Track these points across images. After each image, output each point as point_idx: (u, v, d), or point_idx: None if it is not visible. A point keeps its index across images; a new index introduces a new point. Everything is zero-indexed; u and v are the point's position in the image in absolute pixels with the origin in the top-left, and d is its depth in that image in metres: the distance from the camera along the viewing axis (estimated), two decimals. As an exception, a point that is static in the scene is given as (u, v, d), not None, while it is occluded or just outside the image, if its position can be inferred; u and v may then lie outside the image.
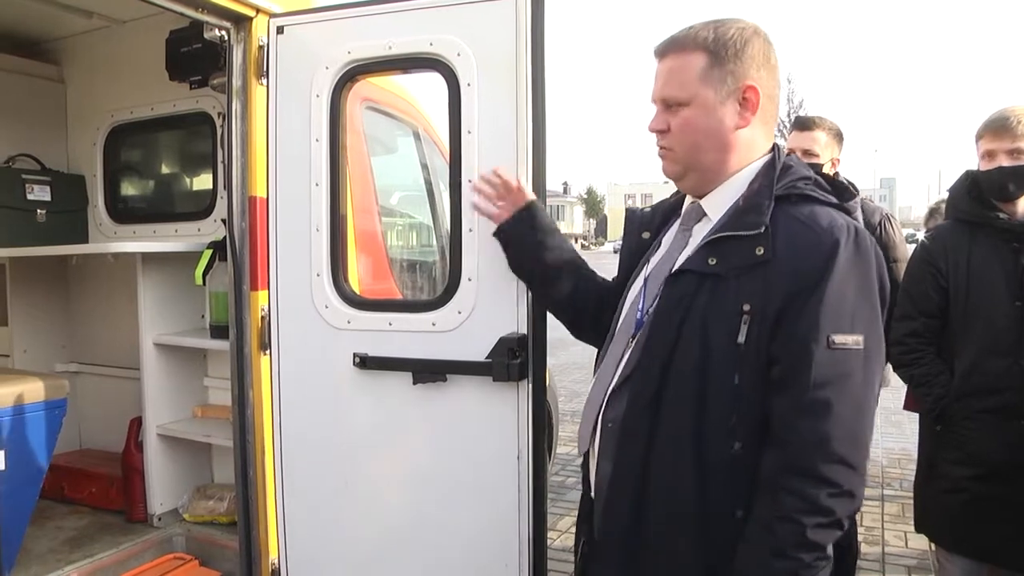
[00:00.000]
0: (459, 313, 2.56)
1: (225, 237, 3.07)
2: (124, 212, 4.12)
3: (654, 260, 1.81)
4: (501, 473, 2.52)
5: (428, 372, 2.59)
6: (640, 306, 1.74)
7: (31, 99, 4.13)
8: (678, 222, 1.82)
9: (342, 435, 2.76)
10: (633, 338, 1.71)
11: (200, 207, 3.74)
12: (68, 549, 3.24)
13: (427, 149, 4.03)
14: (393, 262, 3.57)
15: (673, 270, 1.68)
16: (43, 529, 3.41)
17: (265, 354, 2.83)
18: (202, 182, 3.89)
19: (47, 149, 4.15)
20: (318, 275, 2.74)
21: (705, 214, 1.73)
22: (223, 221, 3.12)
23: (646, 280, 1.77)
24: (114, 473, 3.60)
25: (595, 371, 1.87)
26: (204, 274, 3.03)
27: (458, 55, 2.53)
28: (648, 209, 2.01)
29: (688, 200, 1.82)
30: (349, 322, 2.70)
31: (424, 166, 3.99)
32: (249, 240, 2.83)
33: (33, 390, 2.90)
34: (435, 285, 3.72)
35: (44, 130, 4.18)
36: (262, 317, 2.82)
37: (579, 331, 2.16)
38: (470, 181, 2.46)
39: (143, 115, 3.90)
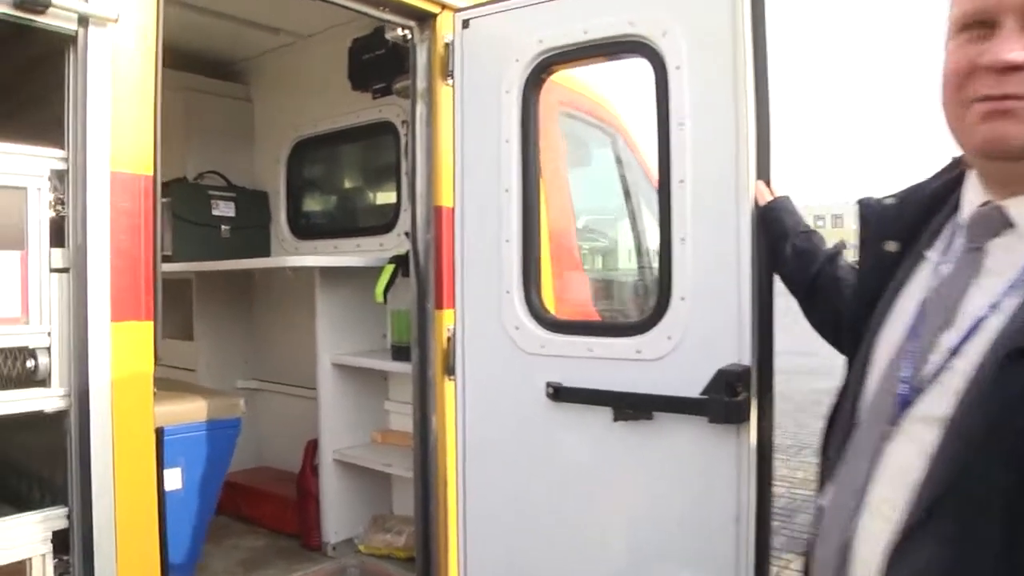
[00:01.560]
0: (668, 339, 2.26)
1: (408, 251, 2.94)
2: (305, 227, 4.13)
3: (915, 292, 1.20)
4: (714, 537, 2.15)
5: (631, 408, 2.30)
6: (904, 373, 1.13)
7: (221, 118, 4.25)
8: (953, 230, 1.21)
9: (532, 473, 2.52)
10: (894, 424, 1.11)
11: (382, 221, 3.66)
12: (242, 570, 3.20)
13: (625, 156, 3.80)
14: (591, 279, 3.34)
15: (1012, 347, 0.99)
16: (220, 547, 3.40)
17: (450, 379, 2.65)
18: (385, 195, 3.82)
19: (233, 166, 4.24)
20: (508, 292, 2.53)
21: (1011, 224, 1.11)
22: (406, 235, 3.00)
23: (912, 330, 1.15)
24: (290, 495, 3.55)
25: (824, 457, 1.32)
26: (385, 291, 2.91)
27: (664, 35, 2.23)
28: (892, 200, 1.37)
29: (972, 192, 1.18)
30: (542, 346, 2.47)
31: (623, 176, 3.75)
32: (434, 254, 2.68)
33: (209, 408, 2.85)
34: (640, 306, 3.44)
35: (231, 148, 4.28)
36: (447, 338, 2.65)
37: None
38: (682, 182, 2.18)
39: (326, 128, 3.89)
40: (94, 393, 1.85)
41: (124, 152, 1.94)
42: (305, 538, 3.42)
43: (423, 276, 2.69)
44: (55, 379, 1.80)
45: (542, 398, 2.44)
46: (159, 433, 2.06)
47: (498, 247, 2.54)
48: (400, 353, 3.00)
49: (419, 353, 2.70)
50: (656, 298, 2.34)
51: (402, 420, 3.44)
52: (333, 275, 3.27)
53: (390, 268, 2.94)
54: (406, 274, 2.90)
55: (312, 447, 3.41)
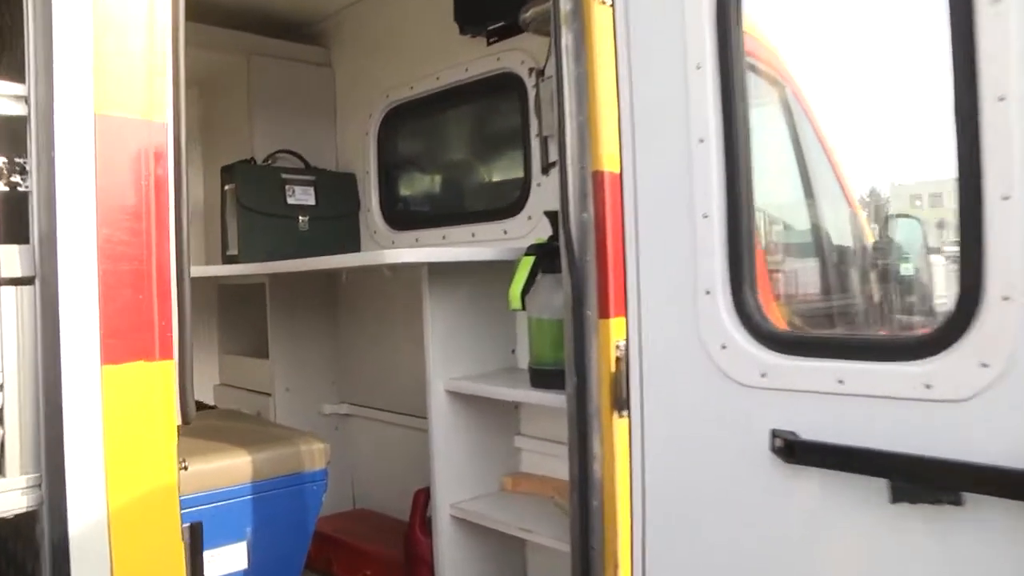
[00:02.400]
0: (984, 367, 1.44)
1: (551, 238, 2.20)
2: (404, 215, 3.41)
3: None
4: None
5: (920, 482, 1.50)
6: None
7: (296, 87, 3.58)
8: None
9: (746, 563, 1.75)
10: None
11: (506, 201, 2.90)
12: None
13: (798, 116, 2.97)
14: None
15: None
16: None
17: (621, 416, 1.90)
18: (507, 167, 3.04)
19: (312, 143, 3.57)
20: (708, 293, 1.76)
21: None
22: (551, 216, 2.24)
23: None
24: (395, 556, 2.85)
25: None
26: (523, 294, 2.14)
27: None
28: None
29: None
30: (764, 375, 1.68)
31: (798, 137, 2.92)
32: (595, 240, 1.92)
33: (283, 458, 2.17)
34: (889, 309, 2.56)
35: (309, 122, 3.61)
36: (616, 359, 1.89)
37: None
38: (1002, 99, 1.38)
39: (425, 89, 3.16)
40: (77, 483, 1.14)
41: (118, 85, 1.23)
42: (414, 614, 2.72)
43: (579, 272, 1.93)
44: (11, 461, 1.10)
45: (763, 454, 1.67)
46: (195, 533, 1.35)
47: (692, 226, 1.78)
48: (541, 378, 2.24)
49: (576, 380, 1.95)
50: (951, 299, 1.54)
51: (539, 461, 2.70)
52: (445, 273, 2.52)
53: (528, 262, 2.16)
54: (549, 269, 2.15)
55: (423, 497, 2.69)
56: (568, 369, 1.97)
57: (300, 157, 3.47)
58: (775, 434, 1.66)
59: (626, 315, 1.90)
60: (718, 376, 1.75)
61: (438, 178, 3.39)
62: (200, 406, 3.47)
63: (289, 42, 3.62)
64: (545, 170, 2.60)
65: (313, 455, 2.24)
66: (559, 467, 2.62)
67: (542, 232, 2.52)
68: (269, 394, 3.40)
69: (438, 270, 2.50)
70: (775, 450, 1.66)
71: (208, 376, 3.89)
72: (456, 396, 2.54)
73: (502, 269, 2.57)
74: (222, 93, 3.74)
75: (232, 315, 3.84)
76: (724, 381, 1.74)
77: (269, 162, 3.38)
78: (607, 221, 1.91)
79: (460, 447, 2.61)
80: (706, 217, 1.76)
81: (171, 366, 1.29)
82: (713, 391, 1.76)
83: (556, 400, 2.13)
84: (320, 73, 3.67)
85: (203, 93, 3.91)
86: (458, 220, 3.03)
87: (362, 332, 3.43)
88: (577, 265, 1.95)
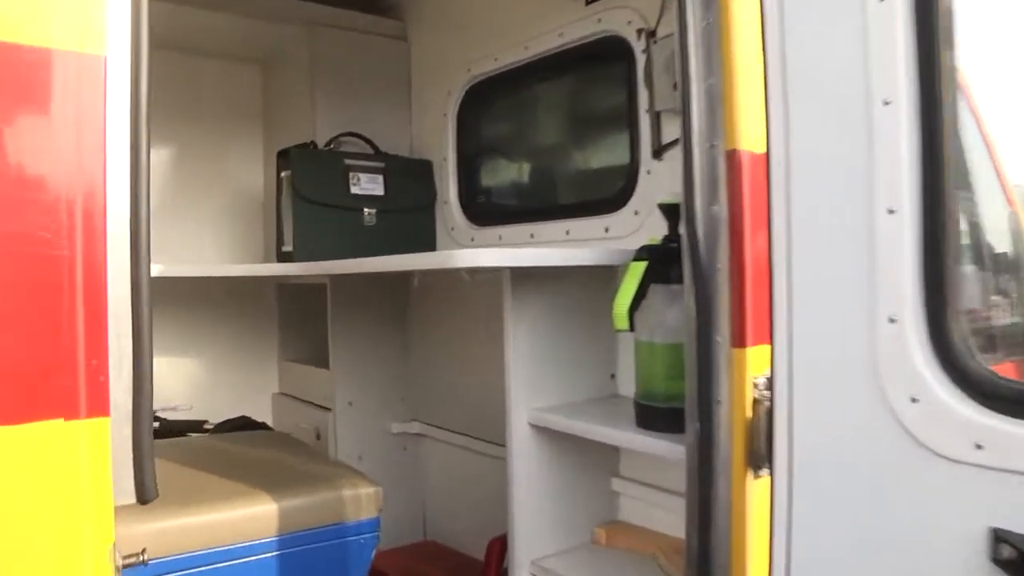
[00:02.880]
0: None
1: (667, 239, 1.75)
2: (486, 208, 2.98)
3: None
4: None
5: None
6: None
7: (364, 63, 3.19)
8: None
9: None
10: None
11: (608, 192, 2.42)
12: None
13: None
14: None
15: None
16: None
17: (759, 474, 1.45)
18: (610, 151, 2.56)
19: (382, 126, 3.18)
20: (893, 321, 1.28)
21: None
22: (665, 211, 1.78)
23: None
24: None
25: None
26: (632, 310, 1.68)
27: None
28: None
29: None
30: (980, 446, 1.19)
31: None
32: (730, 242, 1.45)
33: (323, 505, 1.78)
34: None
35: (379, 102, 3.22)
36: (755, 401, 1.43)
37: None
38: None
39: (512, 60, 2.71)
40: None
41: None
42: None
43: (707, 283, 1.47)
44: None
45: (976, 562, 1.18)
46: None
47: (870, 224, 1.30)
48: (650, 417, 1.77)
49: (699, 426, 1.49)
50: None
51: (641, 510, 2.24)
52: (532, 279, 2.08)
53: (638, 270, 1.68)
54: (665, 279, 1.70)
55: (498, 548, 2.26)
56: (689, 410, 1.51)
57: (368, 141, 3.08)
58: (997, 536, 1.17)
59: (771, 344, 1.44)
60: (906, 442, 1.27)
61: (526, 165, 2.93)
62: (245, 423, 3.15)
63: (359, 12, 3.24)
64: (657, 154, 2.13)
65: (361, 501, 1.84)
66: (667, 519, 2.16)
67: (651, 230, 2.07)
68: (329, 409, 3.03)
69: (524, 275, 2.06)
70: (997, 561, 1.17)
71: (266, 384, 3.56)
72: (542, 430, 2.10)
73: (602, 275, 2.12)
74: (284, 71, 3.38)
75: (292, 318, 3.50)
76: (916, 450, 1.26)
77: (332, 147, 3.00)
78: (745, 217, 1.45)
79: (545, 490, 2.16)
80: (892, 213, 1.29)
81: (104, 426, 0.88)
82: (898, 463, 1.28)
83: (670, 449, 1.67)
84: (393, 47, 3.28)
85: (265, 71, 3.58)
86: (549, 215, 2.57)
87: (437, 342, 3.02)
88: (704, 275, 1.49)
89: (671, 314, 1.71)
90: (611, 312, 1.72)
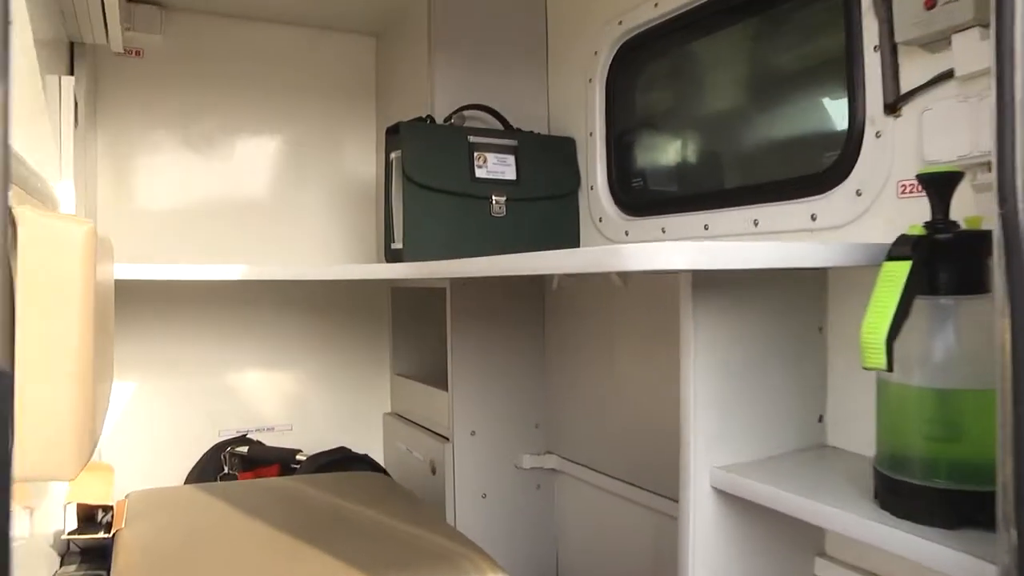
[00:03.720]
0: None
1: (934, 226, 1.20)
2: (644, 194, 2.44)
3: None
4: None
5: None
6: None
7: (493, 23, 2.72)
8: None
9: None
10: None
11: (813, 167, 1.83)
12: None
13: None
14: None
15: None
16: None
17: None
18: (816, 111, 1.96)
19: (513, 97, 2.70)
20: None
21: None
22: (929, 183, 1.21)
23: None
24: None
25: None
26: (892, 337, 1.12)
27: None
28: None
29: None
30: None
31: None
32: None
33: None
34: None
35: (510, 68, 2.74)
36: None
37: None
38: None
39: (678, 5, 2.19)
40: None
41: None
42: None
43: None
44: None
45: None
46: None
47: None
48: (896, 494, 1.21)
49: (1017, 537, 0.94)
50: None
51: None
52: (713, 287, 1.54)
53: (900, 274, 1.12)
54: (927, 289, 1.14)
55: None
56: (1001, 507, 0.95)
57: (497, 114, 2.61)
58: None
59: None
60: None
61: (697, 138, 2.35)
62: (344, 456, 2.75)
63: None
64: (893, 107, 1.55)
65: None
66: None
67: (882, 219, 1.50)
68: (447, 438, 2.58)
69: (706, 281, 1.53)
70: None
71: (378, 402, 3.16)
72: (729, 497, 1.56)
73: (805, 282, 1.58)
74: (401, 40, 2.97)
75: (408, 327, 3.09)
76: None
77: (452, 122, 2.54)
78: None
79: (728, 568, 1.62)
80: None
81: None
82: None
83: (938, 554, 1.10)
84: (526, 4, 2.80)
85: (380, 43, 3.18)
86: (730, 200, 2.00)
87: (580, 361, 2.52)
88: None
89: (939, 343, 1.15)
90: (858, 338, 1.17)
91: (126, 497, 1.95)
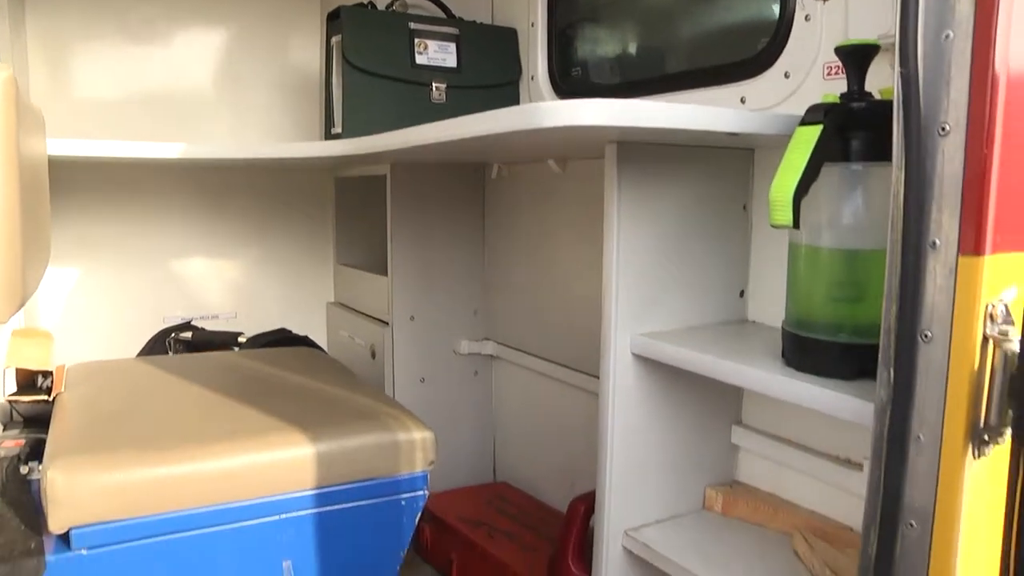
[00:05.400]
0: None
1: (848, 97, 1.24)
2: (583, 84, 2.44)
3: None
4: None
5: None
6: None
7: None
8: None
9: None
10: None
11: (745, 51, 1.83)
12: None
13: None
14: None
15: None
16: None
17: (983, 451, 0.97)
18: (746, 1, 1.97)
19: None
20: None
21: None
22: (846, 56, 1.22)
23: None
24: (535, 572, 2.02)
25: None
26: (799, 197, 1.16)
27: None
28: None
29: None
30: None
31: None
32: (973, 89, 0.93)
33: (359, 454, 1.34)
34: None
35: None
36: (990, 340, 0.94)
37: None
38: None
39: None
40: None
41: None
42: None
43: (926, 155, 0.96)
44: None
45: None
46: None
47: None
48: (804, 351, 1.27)
49: (894, 372, 1.00)
50: None
51: (770, 471, 1.75)
52: (642, 162, 1.55)
53: (810, 138, 1.15)
54: (838, 156, 1.17)
55: (583, 511, 1.81)
56: (883, 348, 1.02)
57: (438, 2, 2.58)
58: None
59: (1028, 249, 0.93)
60: None
61: (634, 29, 2.33)
62: (284, 337, 2.77)
63: None
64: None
65: (411, 450, 1.40)
66: (803, 486, 1.68)
67: (808, 100, 1.53)
68: (387, 323, 2.61)
69: (633, 157, 1.55)
70: None
71: (321, 292, 3.18)
72: (648, 363, 1.62)
73: (733, 160, 1.62)
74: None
75: (351, 216, 3.08)
76: None
77: (394, 7, 2.50)
78: (995, 48, 0.92)
79: (646, 437, 1.69)
80: None
81: None
82: None
83: (840, 402, 1.17)
84: None
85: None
86: (665, 86, 2.02)
87: (519, 247, 2.55)
88: (924, 140, 0.97)
89: (848, 207, 1.20)
90: (767, 199, 1.21)
91: (65, 366, 1.95)
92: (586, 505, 1.78)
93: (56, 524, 1.16)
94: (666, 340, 1.53)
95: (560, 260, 2.35)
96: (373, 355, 2.68)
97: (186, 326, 2.90)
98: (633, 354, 1.58)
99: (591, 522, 1.76)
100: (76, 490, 1.18)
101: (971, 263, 0.94)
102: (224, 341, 2.71)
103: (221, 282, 3.05)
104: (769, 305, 1.71)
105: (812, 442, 1.65)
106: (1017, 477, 1.00)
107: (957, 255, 0.95)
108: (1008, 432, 0.96)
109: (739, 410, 1.79)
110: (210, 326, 2.96)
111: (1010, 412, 0.95)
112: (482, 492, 2.63)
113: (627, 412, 1.64)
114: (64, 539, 1.17)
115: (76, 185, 2.84)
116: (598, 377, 1.64)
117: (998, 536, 1.01)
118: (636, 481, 1.68)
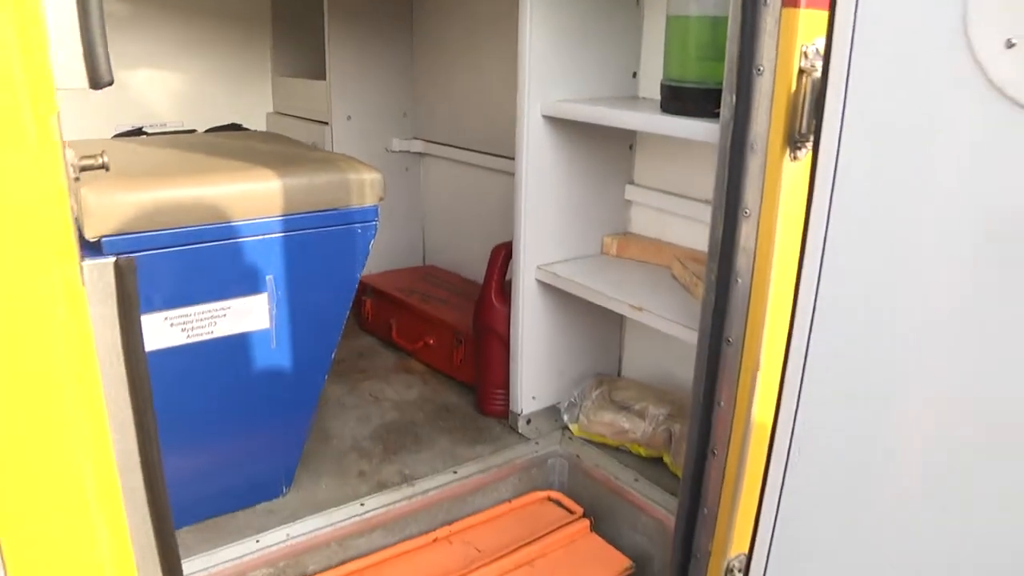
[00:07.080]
0: None
1: None
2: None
3: None
4: None
5: None
6: None
7: None
8: None
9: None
10: None
11: None
12: (380, 450, 2.08)
13: None
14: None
15: None
16: (346, 402, 2.31)
17: (796, 155, 1.31)
18: None
19: None
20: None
21: None
22: None
23: None
24: (463, 320, 2.38)
25: None
26: None
27: None
28: None
29: None
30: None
31: None
32: None
33: (320, 188, 1.63)
34: None
35: None
36: (801, 71, 1.26)
37: None
38: None
39: None
40: None
41: None
42: (482, 400, 2.26)
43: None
44: None
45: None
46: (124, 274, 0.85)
47: None
48: (677, 99, 1.59)
49: (736, 97, 1.32)
50: None
51: (656, 220, 2.11)
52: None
53: None
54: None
55: (503, 255, 2.14)
56: (727, 81, 1.33)
57: None
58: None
59: (830, 9, 1.23)
60: (991, 97, 1.10)
61: None
62: (237, 131, 2.97)
63: None
64: None
65: (363, 187, 1.68)
66: (683, 231, 2.04)
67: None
68: (326, 123, 2.85)
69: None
70: None
71: (261, 101, 3.34)
72: (554, 124, 1.92)
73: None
74: None
75: (287, 29, 3.22)
76: (1004, 107, 1.09)
77: None
78: None
79: (554, 192, 2.02)
80: None
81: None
82: (978, 122, 1.13)
83: (699, 128, 1.50)
84: None
85: None
86: None
87: (444, 53, 2.78)
88: None
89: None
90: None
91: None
92: (506, 250, 2.12)
93: (90, 232, 1.42)
94: (570, 102, 1.84)
95: (480, 63, 2.60)
96: (314, 151, 2.92)
97: (138, 132, 3.06)
98: (543, 116, 1.89)
99: (510, 265, 2.11)
100: (105, 205, 1.43)
101: (791, 14, 1.25)
102: (179, 139, 2.90)
103: (166, 93, 3.16)
104: (655, 84, 2.01)
105: (691, 192, 1.99)
106: (815, 172, 1.35)
107: (781, 8, 1.25)
108: (811, 138, 1.30)
109: (631, 170, 2.13)
110: (158, 132, 3.12)
111: (814, 123, 1.29)
112: (415, 272, 2.97)
113: (540, 171, 1.97)
114: (96, 246, 1.43)
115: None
116: (514, 158, 1.96)
117: (801, 214, 1.36)
118: (546, 228, 2.03)
